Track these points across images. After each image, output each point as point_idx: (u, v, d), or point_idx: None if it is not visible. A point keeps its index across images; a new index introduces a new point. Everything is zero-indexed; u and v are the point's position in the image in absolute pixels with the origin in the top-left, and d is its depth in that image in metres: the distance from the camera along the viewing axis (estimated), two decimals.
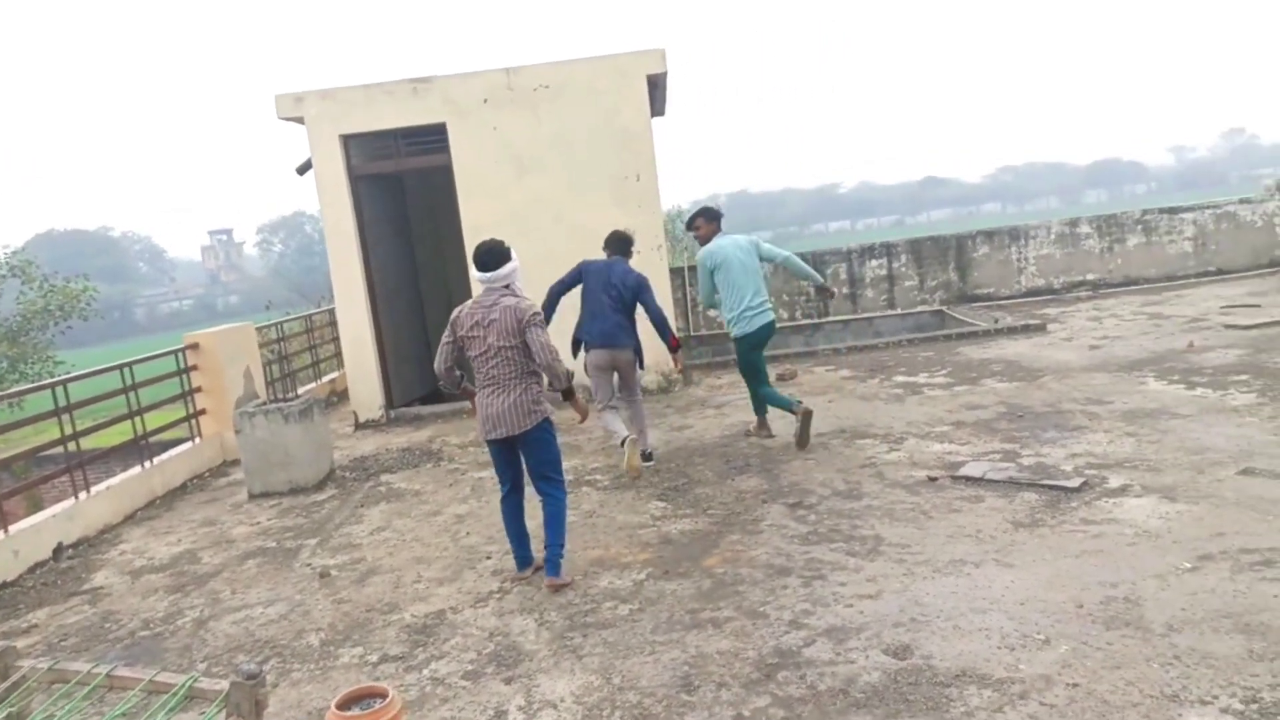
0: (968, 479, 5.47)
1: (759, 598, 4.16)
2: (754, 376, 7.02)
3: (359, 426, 9.30)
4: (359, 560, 5.31)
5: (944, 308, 13.16)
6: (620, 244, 6.72)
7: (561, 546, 4.63)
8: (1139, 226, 13.68)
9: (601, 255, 6.75)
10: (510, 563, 4.91)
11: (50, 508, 6.52)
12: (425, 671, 3.82)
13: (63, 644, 4.57)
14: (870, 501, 5.28)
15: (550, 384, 4.61)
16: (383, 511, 6.24)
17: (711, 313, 8.90)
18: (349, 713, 1.76)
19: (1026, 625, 3.61)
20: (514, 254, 4.56)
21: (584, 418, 4.93)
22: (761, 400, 7.07)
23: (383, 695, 1.82)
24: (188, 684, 2.85)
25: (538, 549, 4.77)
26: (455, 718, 3.42)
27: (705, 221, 7.13)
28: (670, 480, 6.16)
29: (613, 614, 4.17)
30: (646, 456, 6.62)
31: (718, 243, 6.99)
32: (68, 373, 9.06)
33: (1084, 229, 13.69)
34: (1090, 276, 13.64)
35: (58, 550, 6.06)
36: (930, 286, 13.65)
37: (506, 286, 4.53)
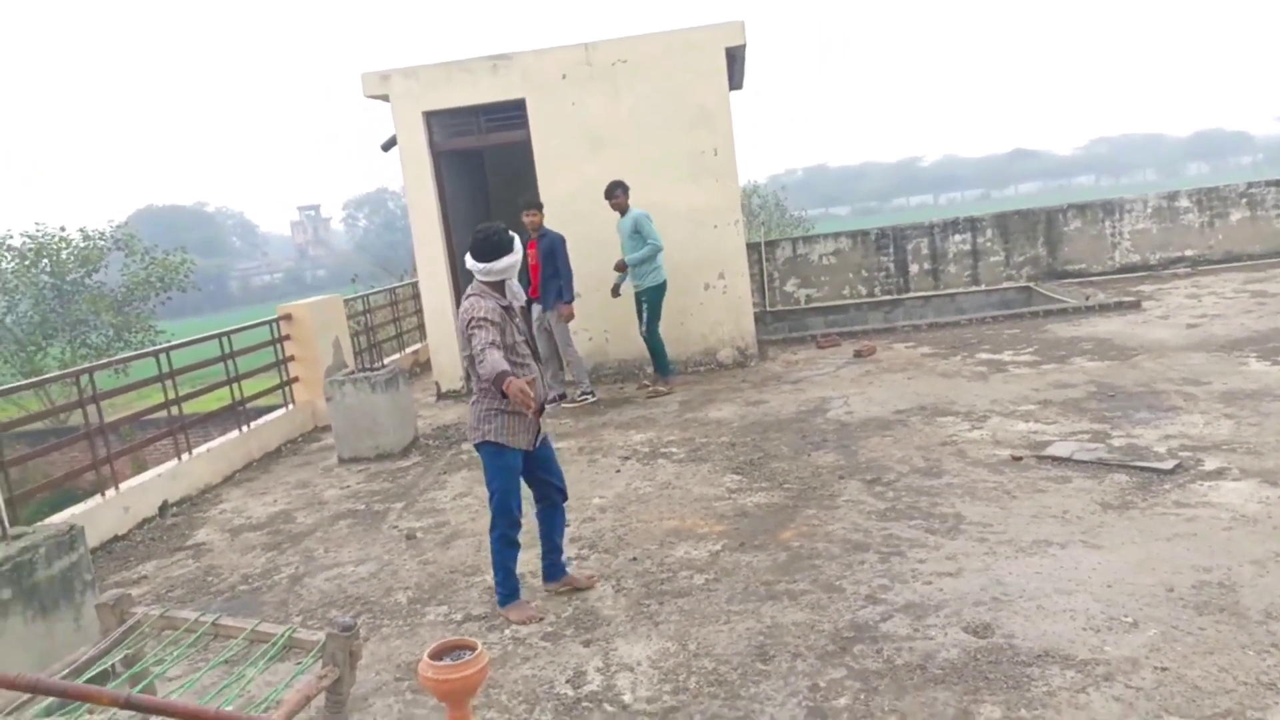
0: (1054, 459, 5.33)
1: (835, 572, 4.16)
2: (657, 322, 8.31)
3: (441, 396, 9.55)
4: (443, 524, 5.48)
5: (1031, 284, 12.75)
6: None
7: (498, 584, 4.13)
8: (1243, 200, 12.98)
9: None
10: (586, 530, 5.01)
11: (156, 468, 6.90)
12: (507, 632, 3.94)
13: (170, 595, 4.85)
14: (951, 479, 5.20)
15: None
16: (464, 478, 6.41)
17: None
18: (440, 662, 1.84)
19: (1114, 608, 3.52)
20: (516, 244, 3.94)
21: (529, 408, 3.69)
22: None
23: (471, 648, 1.91)
24: (287, 634, 3.01)
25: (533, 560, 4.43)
26: (536, 675, 3.53)
27: (624, 193, 8.11)
28: (746, 454, 6.17)
29: (689, 583, 4.23)
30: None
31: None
32: (168, 341, 9.54)
33: (1183, 203, 13.05)
34: (1189, 252, 13.03)
35: (163, 508, 6.42)
36: (1017, 262, 13.24)
37: (493, 284, 3.93)
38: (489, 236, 3.87)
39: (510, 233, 3.97)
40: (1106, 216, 13.16)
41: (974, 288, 13.14)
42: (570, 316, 8.05)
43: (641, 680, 3.41)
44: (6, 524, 3.79)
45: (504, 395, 3.68)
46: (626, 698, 3.30)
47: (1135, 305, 10.16)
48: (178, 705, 1.66)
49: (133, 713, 2.85)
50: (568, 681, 3.46)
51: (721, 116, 9.02)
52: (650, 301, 8.23)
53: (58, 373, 9.06)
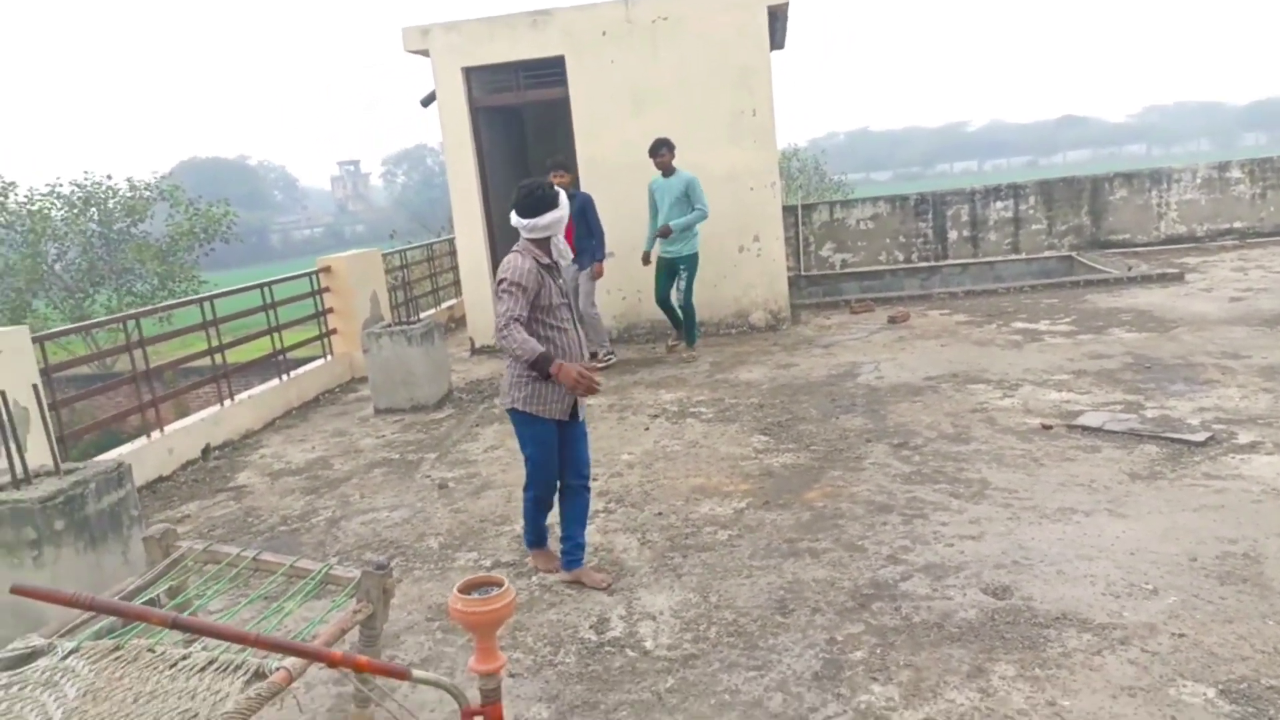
0: (1085, 428, 5.31)
1: (858, 532, 4.21)
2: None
3: (475, 352, 9.67)
4: (474, 475, 5.61)
5: (1073, 253, 12.54)
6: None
7: (526, 532, 4.19)
8: None
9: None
10: (614, 485, 5.10)
11: (199, 412, 7.11)
12: (534, 578, 4.05)
13: (212, 533, 5.04)
14: (979, 446, 5.20)
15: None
16: (496, 431, 6.53)
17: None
18: (470, 596, 1.93)
19: (1134, 575, 3.54)
20: (562, 200, 3.78)
21: (583, 388, 3.66)
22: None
23: (499, 584, 1.99)
24: (324, 571, 3.14)
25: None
26: (561, 620, 3.64)
27: (670, 152, 7.83)
28: (774, 416, 6.21)
29: (712, 538, 4.31)
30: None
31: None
32: (211, 291, 9.75)
33: (1234, 173, 12.71)
34: (1238, 225, 12.71)
35: (206, 451, 6.62)
36: (1059, 231, 13.01)
37: (538, 242, 3.76)
38: (533, 191, 3.72)
39: (556, 188, 3.80)
40: (1154, 186, 12.87)
41: (1013, 256, 12.95)
42: (600, 275, 8.06)
43: (663, 628, 3.50)
44: (58, 459, 3.95)
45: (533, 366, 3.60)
46: (648, 644, 3.40)
47: (1178, 277, 9.97)
48: (223, 628, 1.76)
49: (178, 638, 3.00)
50: (591, 627, 3.57)
51: (762, 77, 8.92)
52: (691, 269, 8.05)
53: (106, 317, 9.31)
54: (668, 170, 7.87)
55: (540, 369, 3.61)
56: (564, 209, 3.76)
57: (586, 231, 7.87)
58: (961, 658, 3.09)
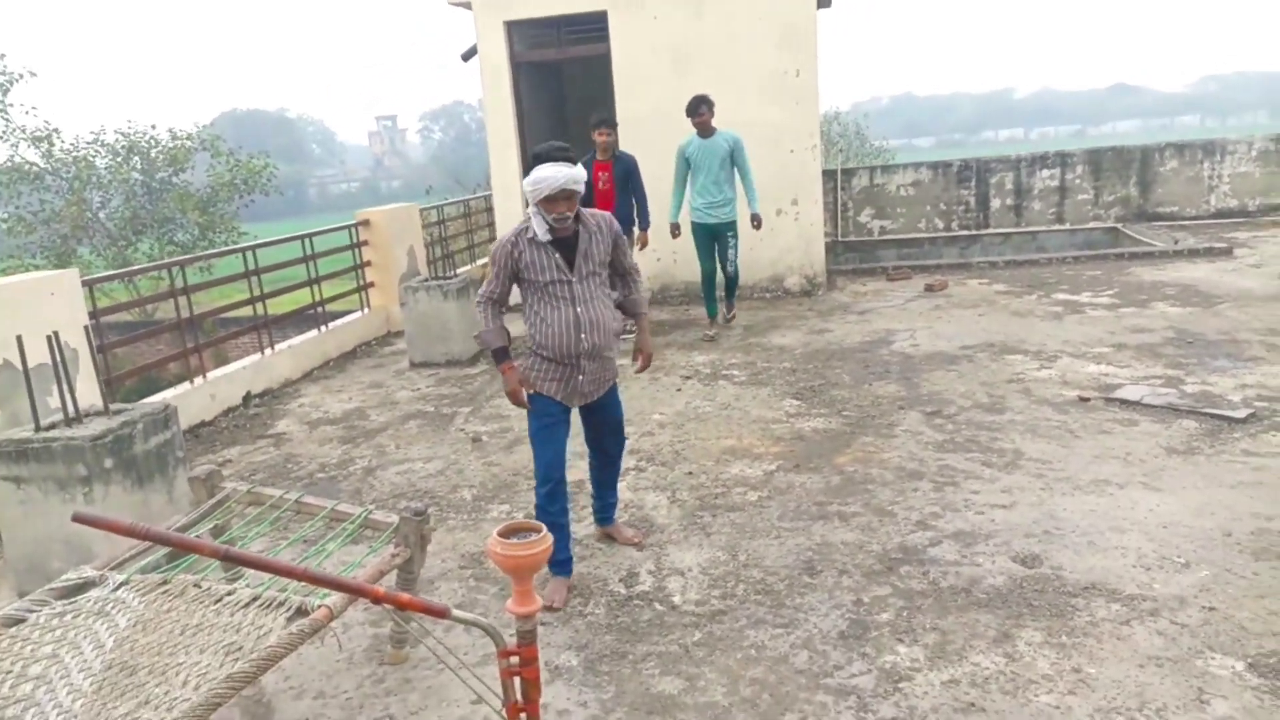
0: (1123, 402, 5.25)
1: (888, 497, 4.22)
2: None
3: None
4: (507, 430, 5.68)
5: (1119, 225, 12.28)
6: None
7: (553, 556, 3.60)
8: None
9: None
10: (645, 444, 5.15)
11: (240, 360, 7.25)
12: None
13: (253, 478, 5.17)
14: (1013, 416, 5.17)
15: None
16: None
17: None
18: (509, 541, 1.98)
19: (1167, 548, 3.53)
20: (564, 164, 3.32)
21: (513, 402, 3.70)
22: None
23: (538, 530, 2.04)
24: (363, 515, 3.22)
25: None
26: (591, 573, 3.71)
27: (709, 110, 7.28)
28: (807, 381, 6.21)
29: (742, 499, 4.34)
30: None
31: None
32: (250, 242, 9.88)
33: None
34: None
35: (247, 398, 6.76)
36: (1106, 202, 12.73)
37: (542, 204, 3.36)
38: (536, 150, 3.35)
39: (562, 147, 3.35)
40: (1206, 158, 12.52)
41: (1057, 226, 12.71)
42: (645, 244, 7.38)
43: (691, 584, 3.55)
44: (107, 400, 4.07)
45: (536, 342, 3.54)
46: (676, 599, 3.45)
47: (1227, 252, 9.73)
48: (271, 561, 1.83)
49: (223, 575, 3.11)
50: (620, 581, 3.63)
51: (807, 36, 8.78)
52: (736, 235, 7.53)
53: (150, 264, 9.48)
54: (706, 130, 7.27)
55: (494, 361, 3.60)
56: (561, 170, 3.25)
57: (629, 197, 7.23)
58: (988, 623, 3.11)
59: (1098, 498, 4.03)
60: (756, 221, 7.38)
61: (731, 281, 7.85)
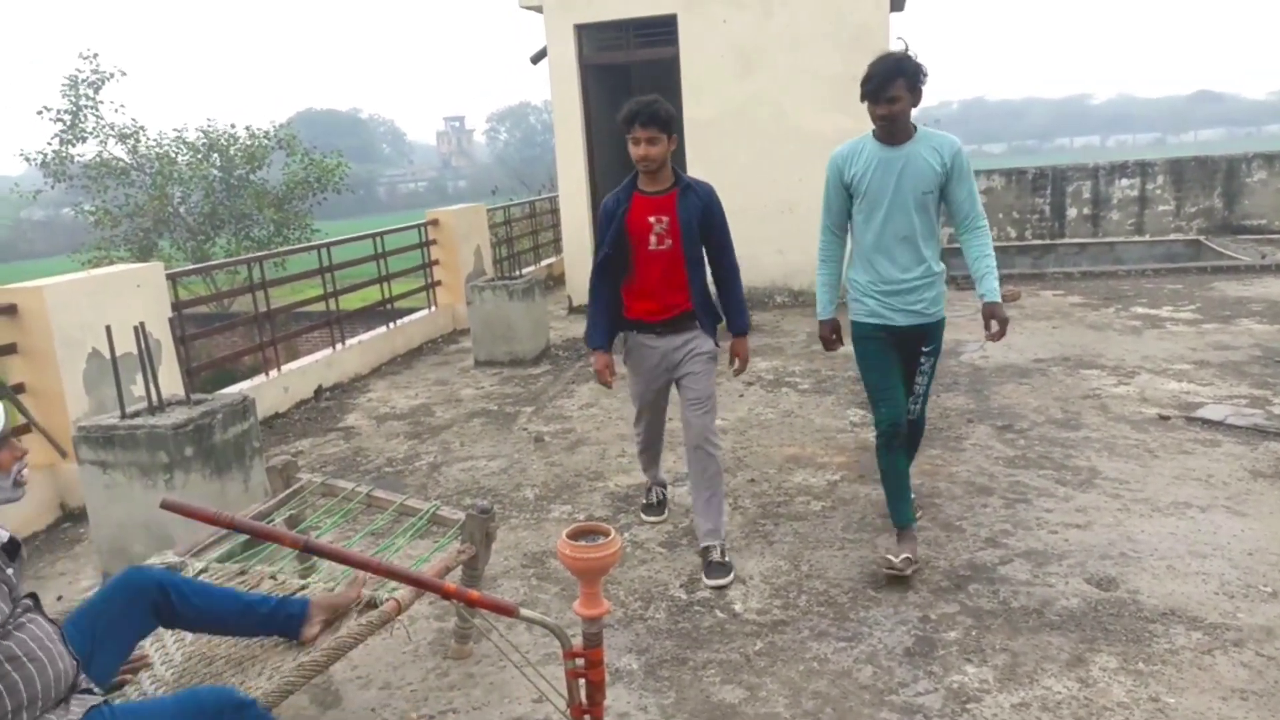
0: (1205, 421, 5.06)
1: (956, 512, 4.13)
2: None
3: (572, 310, 9.80)
4: (569, 430, 5.72)
5: (1202, 237, 11.85)
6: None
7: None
8: None
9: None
10: None
11: (312, 355, 7.44)
12: (626, 535, 4.13)
13: (323, 469, 5.29)
14: (1089, 433, 5.02)
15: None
16: (591, 389, 6.62)
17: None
18: (578, 543, 1.99)
19: (1252, 575, 3.38)
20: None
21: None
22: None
23: (606, 533, 2.04)
24: (430, 511, 3.27)
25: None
26: (652, 577, 3.70)
27: (910, 90, 3.43)
28: None
29: (805, 508, 4.29)
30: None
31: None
32: (324, 239, 10.13)
33: None
34: None
35: (318, 391, 6.93)
36: (1188, 213, 12.30)
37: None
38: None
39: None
40: None
41: (1136, 237, 12.32)
42: (746, 363, 4.14)
43: (753, 593, 3.53)
44: (189, 390, 4.21)
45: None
46: (737, 607, 3.43)
47: None
48: (349, 553, 1.87)
49: (297, 568, 3.18)
50: (681, 586, 3.62)
51: (878, 38, 8.65)
52: (939, 345, 3.88)
53: (230, 259, 9.79)
54: (898, 130, 3.49)
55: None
56: None
57: (702, 267, 3.83)
58: (1061, 646, 3.02)
59: (1178, 520, 3.89)
60: (995, 323, 3.67)
61: (916, 430, 3.95)
